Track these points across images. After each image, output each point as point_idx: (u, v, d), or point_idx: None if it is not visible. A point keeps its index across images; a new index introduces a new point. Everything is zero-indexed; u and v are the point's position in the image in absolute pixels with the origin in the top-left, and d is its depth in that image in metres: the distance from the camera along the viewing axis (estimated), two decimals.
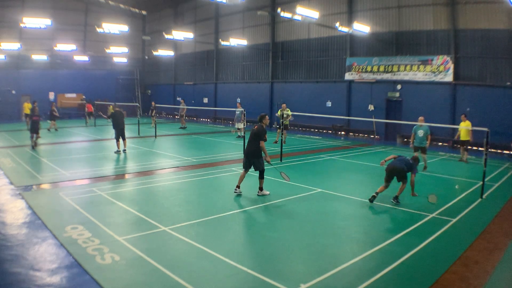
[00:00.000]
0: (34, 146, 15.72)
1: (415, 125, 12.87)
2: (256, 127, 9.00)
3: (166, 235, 6.50)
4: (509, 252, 6.02)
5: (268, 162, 8.90)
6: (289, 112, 18.18)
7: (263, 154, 8.90)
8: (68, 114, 33.79)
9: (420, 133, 12.46)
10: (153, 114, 24.93)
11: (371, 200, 8.53)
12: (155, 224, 6.98)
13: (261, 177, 9.02)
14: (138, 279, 4.99)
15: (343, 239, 6.58)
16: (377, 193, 8.55)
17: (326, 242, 6.38)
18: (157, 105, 27.10)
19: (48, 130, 21.65)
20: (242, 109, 20.54)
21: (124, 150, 14.98)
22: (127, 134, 15.42)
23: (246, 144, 9.20)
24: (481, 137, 10.34)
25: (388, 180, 8.52)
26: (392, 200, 8.62)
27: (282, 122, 17.61)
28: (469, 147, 15.19)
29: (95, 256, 5.52)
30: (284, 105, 19.00)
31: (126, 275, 5.09)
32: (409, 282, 5.08)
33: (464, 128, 13.99)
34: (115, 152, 14.91)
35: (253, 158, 8.91)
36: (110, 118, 16.04)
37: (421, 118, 12.82)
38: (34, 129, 15.78)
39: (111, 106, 32.24)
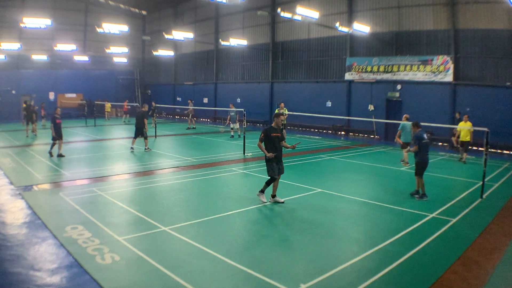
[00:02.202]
0: (60, 154, 13.83)
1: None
2: None
3: (166, 235, 6.50)
4: (509, 252, 6.02)
5: (269, 156, 8.14)
6: (286, 112, 18.32)
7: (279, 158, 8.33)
8: (68, 114, 33.80)
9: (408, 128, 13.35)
10: (153, 115, 25.02)
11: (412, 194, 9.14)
12: (155, 224, 6.99)
13: (267, 181, 8.40)
14: (138, 279, 4.99)
15: (343, 239, 6.58)
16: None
17: (326, 242, 6.39)
18: (157, 105, 27.13)
19: (33, 133, 20.14)
20: (236, 109, 20.65)
21: (146, 149, 15.56)
22: (127, 133, 15.46)
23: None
24: (481, 137, 10.34)
25: None
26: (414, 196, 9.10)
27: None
28: (469, 147, 15.05)
29: (95, 256, 5.52)
30: (282, 104, 19.06)
31: (126, 275, 5.09)
32: (409, 282, 5.08)
33: (465, 128, 13.92)
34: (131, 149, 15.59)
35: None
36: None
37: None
38: (59, 134, 13.87)
39: (107, 104, 32.94)
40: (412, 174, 12.11)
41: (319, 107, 24.13)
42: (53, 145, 14.03)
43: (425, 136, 8.93)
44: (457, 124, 15.73)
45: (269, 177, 8.32)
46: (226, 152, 15.83)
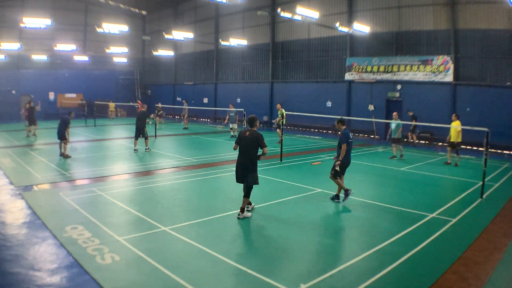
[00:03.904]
0: (67, 155, 13.80)
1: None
2: (248, 133, 7.47)
3: (166, 235, 6.50)
4: (509, 252, 6.02)
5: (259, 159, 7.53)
6: (284, 112, 18.44)
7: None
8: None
9: (392, 126, 14.60)
10: (161, 116, 25.46)
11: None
12: (155, 224, 6.99)
13: (247, 195, 7.46)
14: (138, 279, 4.99)
15: (343, 239, 6.59)
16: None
17: (326, 242, 6.39)
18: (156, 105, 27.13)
19: (28, 136, 19.74)
20: (236, 109, 20.72)
21: (146, 149, 15.54)
22: (126, 133, 15.48)
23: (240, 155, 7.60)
24: (481, 137, 10.34)
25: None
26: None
27: (281, 122, 17.80)
28: (461, 147, 14.28)
29: (95, 256, 5.52)
30: (279, 105, 19.19)
31: (126, 275, 5.09)
32: (409, 282, 5.08)
33: (453, 127, 13.37)
34: (134, 151, 15.47)
35: (250, 172, 7.36)
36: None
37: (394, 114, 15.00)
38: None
39: (111, 104, 32.99)
40: (412, 174, 12.20)
41: (319, 107, 24.12)
42: (64, 145, 13.90)
43: (350, 135, 8.60)
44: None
45: (250, 189, 7.50)
46: (226, 152, 15.81)
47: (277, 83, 27.92)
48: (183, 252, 5.90)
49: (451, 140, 13.68)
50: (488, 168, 9.57)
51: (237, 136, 8.05)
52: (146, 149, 15.49)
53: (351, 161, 8.84)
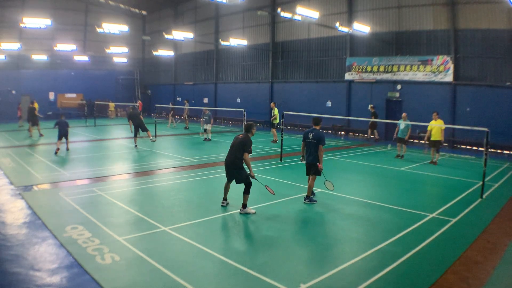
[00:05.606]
0: (56, 152, 14.36)
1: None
2: (241, 135, 7.90)
3: (166, 235, 6.50)
4: (509, 252, 6.02)
5: (253, 177, 7.68)
6: (276, 112, 18.68)
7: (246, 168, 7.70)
8: (68, 114, 33.79)
9: (401, 126, 14.60)
10: (171, 115, 26.01)
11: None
12: (155, 224, 6.99)
13: (246, 191, 7.66)
14: (138, 279, 4.99)
15: (343, 239, 6.59)
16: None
17: (326, 242, 6.39)
18: (157, 105, 27.08)
19: (31, 136, 19.82)
20: (210, 112, 20.51)
21: (152, 139, 16.77)
22: (126, 133, 15.64)
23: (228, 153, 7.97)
24: (481, 137, 10.35)
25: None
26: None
27: (275, 121, 18.58)
28: (440, 146, 14.05)
29: (95, 256, 5.52)
30: (273, 104, 19.68)
31: (126, 275, 5.10)
32: (409, 282, 5.08)
33: (437, 126, 13.32)
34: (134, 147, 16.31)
35: (234, 170, 7.73)
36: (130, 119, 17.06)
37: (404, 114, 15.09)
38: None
39: (111, 104, 33.61)
40: (412, 174, 12.20)
41: (319, 107, 24.09)
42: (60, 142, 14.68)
43: (309, 135, 8.47)
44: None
45: (248, 186, 7.68)
46: (226, 152, 15.79)
47: (277, 83, 27.91)
48: (183, 252, 5.90)
49: (432, 139, 13.64)
50: (488, 168, 9.58)
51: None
52: (151, 139, 16.46)
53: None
